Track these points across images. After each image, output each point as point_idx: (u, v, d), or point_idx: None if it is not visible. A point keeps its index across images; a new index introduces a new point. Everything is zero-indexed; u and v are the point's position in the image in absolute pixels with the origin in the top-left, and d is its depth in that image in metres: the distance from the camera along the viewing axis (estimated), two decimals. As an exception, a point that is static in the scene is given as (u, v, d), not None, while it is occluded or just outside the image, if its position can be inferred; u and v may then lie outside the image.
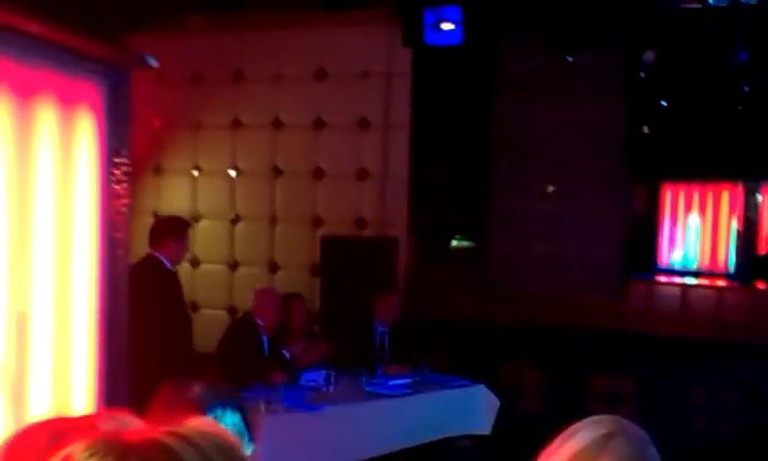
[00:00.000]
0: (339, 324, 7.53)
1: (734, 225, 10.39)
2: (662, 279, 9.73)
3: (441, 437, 6.43)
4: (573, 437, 1.55)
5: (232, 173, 9.07)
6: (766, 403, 7.57)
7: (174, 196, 9.08)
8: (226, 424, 2.17)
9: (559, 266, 8.81)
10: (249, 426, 2.31)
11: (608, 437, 1.54)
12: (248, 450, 2.23)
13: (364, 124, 8.73)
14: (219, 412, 2.21)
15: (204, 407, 2.17)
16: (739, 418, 7.69)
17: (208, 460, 0.87)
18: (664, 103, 9.89)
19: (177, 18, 8.75)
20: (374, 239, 8.54)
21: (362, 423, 5.96)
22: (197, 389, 2.26)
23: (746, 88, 9.28)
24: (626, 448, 1.54)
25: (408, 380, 6.49)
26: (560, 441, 1.56)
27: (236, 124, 9.03)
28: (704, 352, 7.78)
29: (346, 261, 8.07)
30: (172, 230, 6.16)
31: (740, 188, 10.43)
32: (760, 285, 9.41)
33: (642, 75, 9.11)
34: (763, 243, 10.25)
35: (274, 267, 8.85)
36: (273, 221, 8.91)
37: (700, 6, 8.21)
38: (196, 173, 9.15)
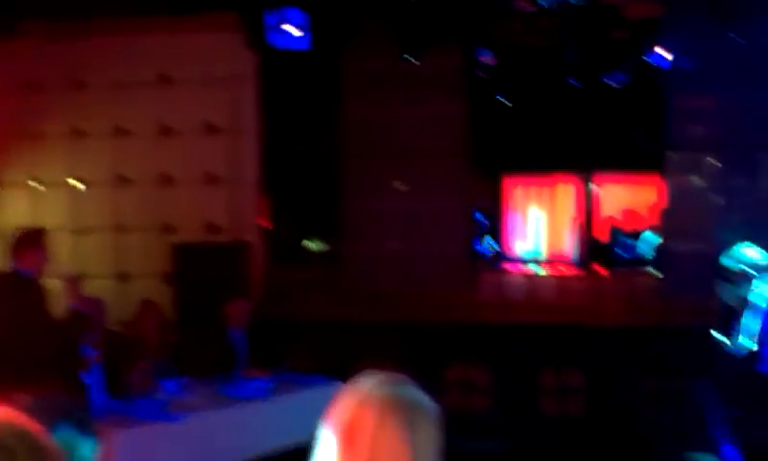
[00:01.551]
0: (195, 332, 7.39)
1: (573, 214, 10.91)
2: (510, 269, 10.09)
3: (307, 439, 6.39)
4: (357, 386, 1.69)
5: (75, 183, 8.75)
6: (610, 383, 7.99)
7: (13, 209, 8.68)
8: (59, 436, 2.10)
9: (412, 262, 8.99)
10: (89, 437, 2.24)
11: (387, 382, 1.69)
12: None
13: (211, 129, 8.62)
14: (53, 425, 2.14)
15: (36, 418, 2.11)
16: (586, 398, 8.09)
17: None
18: (503, 100, 10.30)
19: (9, 24, 8.36)
20: (227, 244, 8.45)
21: (222, 428, 5.87)
22: (28, 400, 2.18)
23: (578, 85, 9.79)
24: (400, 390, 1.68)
25: (268, 383, 6.45)
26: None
27: (77, 133, 8.73)
28: (551, 337, 8.14)
29: (199, 268, 7.95)
30: (29, 241, 6.01)
31: (576, 179, 10.96)
32: (600, 270, 9.92)
33: (481, 75, 9.46)
34: (601, 233, 10.81)
35: (124, 277, 8.60)
36: (121, 230, 8.66)
37: (535, 9, 8.61)
38: (36, 184, 8.77)
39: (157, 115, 8.61)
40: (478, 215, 10.49)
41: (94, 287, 8.49)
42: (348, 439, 1.65)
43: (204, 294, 7.64)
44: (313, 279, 9.03)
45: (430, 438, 1.67)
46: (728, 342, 5.70)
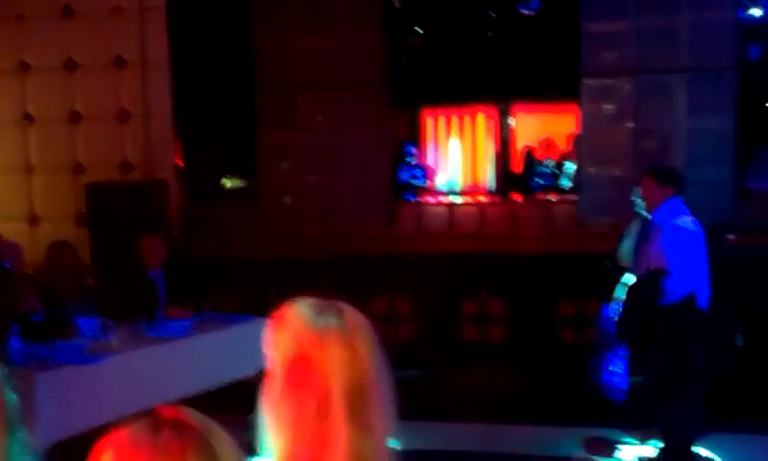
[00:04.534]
0: (112, 273, 7.23)
1: (490, 144, 10.98)
2: (429, 200, 10.12)
3: (231, 378, 6.32)
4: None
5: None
6: (528, 307, 8.15)
7: None
8: None
9: (330, 196, 8.94)
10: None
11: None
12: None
13: (120, 63, 8.32)
14: None
15: None
16: (506, 323, 8.24)
17: None
18: (420, 30, 10.22)
19: None
20: (142, 182, 8.24)
21: (145, 369, 5.77)
22: None
23: (493, 15, 9.78)
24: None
25: (190, 321, 6.36)
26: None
27: (-23, 70, 8.33)
28: (472, 265, 8.23)
29: (113, 208, 7.74)
30: None
31: (494, 110, 11.01)
32: (517, 198, 10.05)
33: (397, 4, 9.35)
34: (517, 161, 10.92)
35: (34, 220, 8.32)
36: (29, 171, 8.34)
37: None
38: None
39: (63, 49, 8.26)
40: (408, 147, 10.47)
41: (4, 231, 8.21)
42: (296, 370, 1.63)
43: (120, 234, 7.46)
44: (231, 216, 8.90)
45: (373, 353, 1.66)
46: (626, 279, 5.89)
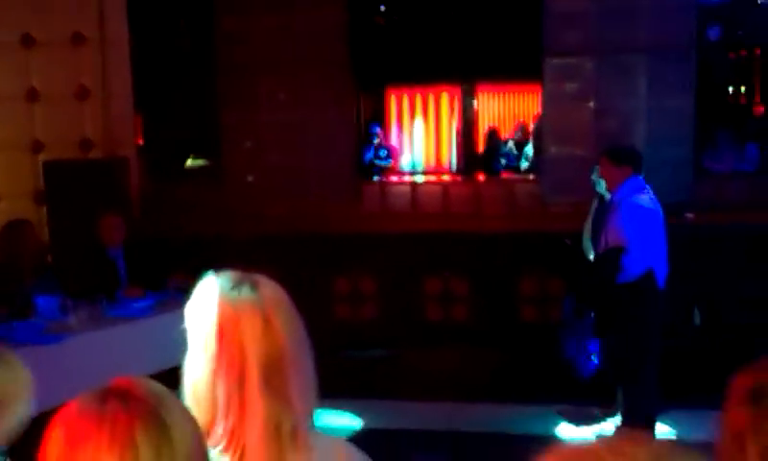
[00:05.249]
0: (72, 252, 7.13)
1: (454, 124, 11.01)
2: (393, 179, 10.13)
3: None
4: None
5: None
6: (491, 287, 8.19)
7: None
8: None
9: (295, 176, 8.90)
10: None
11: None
12: None
13: (78, 39, 8.18)
14: None
15: None
16: (469, 302, 8.28)
17: None
18: (384, 10, 10.19)
19: None
20: (102, 161, 8.13)
21: (104, 349, 5.72)
22: None
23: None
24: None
25: (151, 301, 6.31)
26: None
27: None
28: (435, 245, 8.25)
29: (73, 187, 7.62)
30: None
31: (457, 90, 11.03)
32: (480, 177, 10.09)
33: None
34: (480, 142, 10.96)
35: (-9, 198, 8.19)
36: (-15, 149, 8.21)
37: None
38: None
39: (20, 25, 8.10)
40: (373, 127, 10.45)
41: (-41, 209, 8.07)
42: (212, 342, 1.63)
43: (80, 214, 7.35)
44: (194, 196, 8.82)
45: (289, 327, 1.65)
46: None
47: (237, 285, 1.66)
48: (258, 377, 1.59)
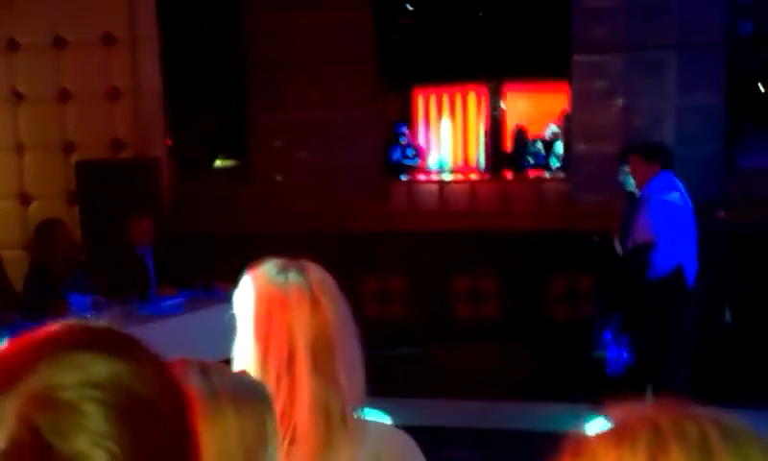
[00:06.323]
0: (104, 252, 7.22)
1: (482, 122, 10.97)
2: (422, 178, 10.12)
3: (223, 355, 6.33)
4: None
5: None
6: (520, 285, 8.18)
7: None
8: None
9: (323, 174, 8.93)
10: None
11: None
12: None
13: (109, 39, 8.27)
14: None
15: None
16: (498, 301, 8.27)
17: None
18: (410, 7, 10.18)
19: None
20: (133, 161, 8.22)
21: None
22: None
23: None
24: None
25: (182, 299, 6.38)
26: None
27: (-35, 49, 8.26)
28: (463, 243, 8.25)
29: (104, 187, 7.71)
30: None
31: (485, 89, 10.98)
32: (508, 176, 10.06)
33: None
34: (508, 140, 10.92)
35: (26, 199, 8.30)
36: (19, 150, 8.31)
37: None
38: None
39: (52, 27, 8.20)
40: (400, 127, 10.45)
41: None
42: (261, 327, 1.65)
43: (112, 213, 7.44)
44: (223, 194, 8.88)
45: (336, 309, 1.67)
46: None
47: (284, 270, 1.69)
48: (307, 359, 1.61)
